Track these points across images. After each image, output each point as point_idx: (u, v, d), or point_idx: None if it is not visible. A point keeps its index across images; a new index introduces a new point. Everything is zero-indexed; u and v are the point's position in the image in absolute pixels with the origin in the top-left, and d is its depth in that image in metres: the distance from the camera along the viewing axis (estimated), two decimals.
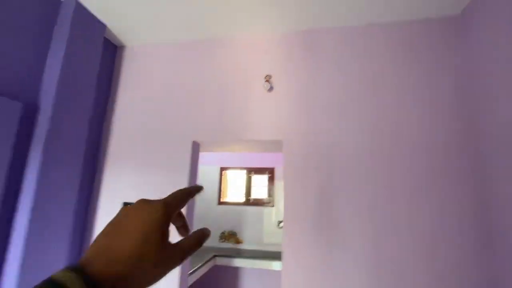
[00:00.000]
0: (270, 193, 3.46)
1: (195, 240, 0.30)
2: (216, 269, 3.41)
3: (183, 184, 1.84)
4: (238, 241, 3.45)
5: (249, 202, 3.55)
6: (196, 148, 1.98)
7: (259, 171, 3.59)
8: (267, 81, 1.82)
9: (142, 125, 2.02)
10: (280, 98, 1.83)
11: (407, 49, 1.75)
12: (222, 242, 3.44)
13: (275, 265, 2.97)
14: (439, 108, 1.63)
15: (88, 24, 1.83)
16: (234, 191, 3.71)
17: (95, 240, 0.26)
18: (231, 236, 3.45)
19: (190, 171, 1.88)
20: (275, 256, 3.05)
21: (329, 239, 1.59)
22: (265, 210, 3.48)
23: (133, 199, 1.91)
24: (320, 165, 1.69)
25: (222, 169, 3.75)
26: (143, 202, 0.28)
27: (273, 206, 3.43)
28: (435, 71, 1.68)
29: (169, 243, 0.27)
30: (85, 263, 0.23)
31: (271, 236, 3.48)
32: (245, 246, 3.43)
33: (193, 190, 0.33)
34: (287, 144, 1.76)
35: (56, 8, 1.72)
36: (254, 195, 3.57)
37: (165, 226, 0.27)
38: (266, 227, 3.46)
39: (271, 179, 3.50)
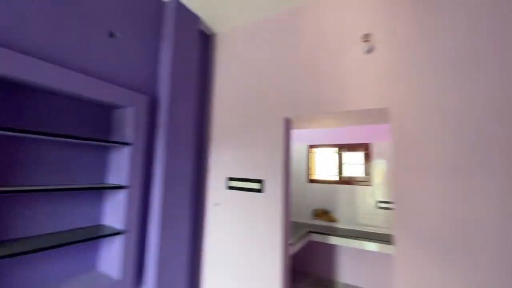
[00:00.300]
0: (367, 171, 3.18)
1: None
2: (312, 244, 3.46)
3: (278, 159, 1.89)
4: (331, 219, 3.37)
5: (342, 180, 3.37)
6: (288, 124, 1.97)
7: (352, 147, 3.33)
8: (365, 41, 1.59)
9: (238, 105, 2.15)
10: (383, 60, 1.58)
11: None
12: (315, 219, 3.44)
13: (371, 246, 2.77)
14: None
15: (187, 19, 2.03)
16: (324, 169, 3.60)
17: None
18: (324, 213, 3.39)
19: (284, 147, 1.89)
20: (371, 237, 2.85)
21: (446, 229, 1.32)
22: (360, 189, 3.24)
23: (235, 174, 2.09)
24: (443, 137, 1.39)
25: (311, 146, 3.68)
26: None
27: (370, 185, 3.15)
28: None
29: None
30: None
31: (368, 216, 3.24)
32: (339, 224, 3.32)
33: None
34: (396, 113, 1.52)
35: (162, 10, 1.97)
36: (346, 173, 3.37)
37: None
38: (362, 207, 3.23)
39: (367, 156, 3.20)
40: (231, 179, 2.10)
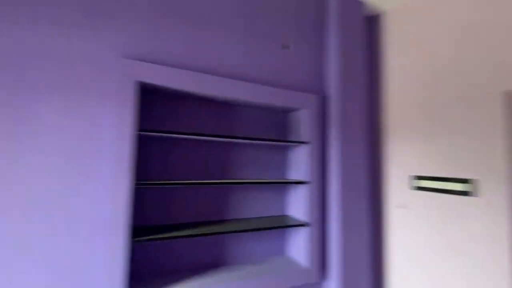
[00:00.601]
0: None
1: None
2: None
3: (496, 151, 1.36)
4: None
5: None
6: (510, 100, 1.39)
7: None
8: None
9: (422, 87, 1.79)
10: None
11: None
12: None
13: None
14: None
15: (351, 7, 1.95)
16: None
17: None
18: None
19: (506, 132, 1.34)
20: None
21: None
22: None
23: (423, 171, 1.73)
24: None
25: None
26: None
27: None
28: None
29: None
30: None
31: None
32: None
33: None
34: None
35: (323, 5, 2.00)
36: None
37: None
38: None
39: None
40: (419, 177, 1.76)
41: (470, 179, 1.47)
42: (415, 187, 1.78)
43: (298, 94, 1.75)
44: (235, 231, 1.45)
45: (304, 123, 1.78)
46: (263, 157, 1.81)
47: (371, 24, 2.19)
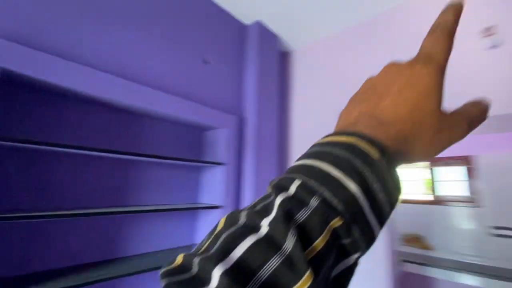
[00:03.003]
0: (473, 189, 2.67)
1: (479, 110, 0.22)
2: (406, 276, 3.00)
3: None
4: (425, 246, 2.89)
5: (436, 200, 2.90)
6: None
7: (449, 161, 2.86)
8: (490, 34, 1.34)
9: (319, 122, 2.05)
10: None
11: None
12: (405, 245, 2.99)
13: (472, 280, 2.24)
14: None
15: (269, 39, 2.07)
16: (412, 187, 3.16)
17: (344, 114, 0.24)
18: (416, 239, 2.94)
19: None
20: (474, 269, 2.32)
21: None
22: (461, 211, 2.73)
23: None
24: None
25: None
26: (398, 65, 0.23)
27: (477, 206, 2.62)
28: None
29: (446, 111, 0.21)
30: (349, 131, 0.20)
31: (470, 244, 2.69)
32: (436, 253, 2.82)
33: (451, 21, 0.22)
34: None
35: (245, 32, 2.04)
36: (442, 192, 2.89)
37: (441, 85, 0.21)
38: (465, 233, 2.70)
39: (470, 171, 2.70)
40: None
41: None
42: None
43: (217, 113, 1.66)
44: (130, 274, 1.14)
45: (220, 143, 1.69)
46: (172, 178, 1.58)
47: (284, 59, 2.40)
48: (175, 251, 1.50)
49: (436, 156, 0.24)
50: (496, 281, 2.19)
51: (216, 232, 0.18)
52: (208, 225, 1.64)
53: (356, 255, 0.18)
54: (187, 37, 1.67)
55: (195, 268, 0.15)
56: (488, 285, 2.18)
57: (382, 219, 0.18)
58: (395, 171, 0.19)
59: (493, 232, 2.51)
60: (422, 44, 0.23)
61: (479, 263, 2.55)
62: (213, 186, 1.66)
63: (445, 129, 0.21)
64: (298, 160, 0.21)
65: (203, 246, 0.18)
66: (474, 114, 0.23)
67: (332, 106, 1.99)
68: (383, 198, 0.18)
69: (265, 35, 2.03)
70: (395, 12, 1.77)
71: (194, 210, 1.68)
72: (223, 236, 0.17)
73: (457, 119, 0.22)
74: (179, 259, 0.17)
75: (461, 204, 2.71)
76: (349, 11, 1.84)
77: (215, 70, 1.81)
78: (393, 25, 1.76)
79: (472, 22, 1.44)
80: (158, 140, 1.53)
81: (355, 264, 0.18)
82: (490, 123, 1.66)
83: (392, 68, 0.23)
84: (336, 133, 0.21)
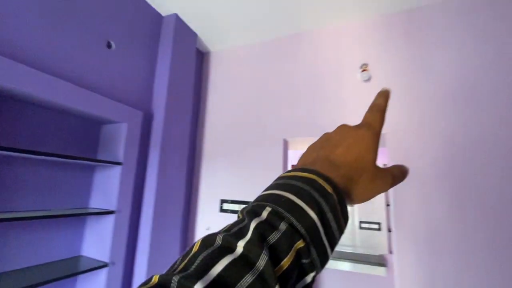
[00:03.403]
0: None
1: (402, 172, 0.30)
2: None
3: None
4: None
5: None
6: (286, 146, 1.96)
7: None
8: (364, 70, 1.69)
9: (233, 125, 2.10)
10: (380, 88, 1.68)
11: None
12: None
13: (349, 266, 2.80)
14: None
15: (185, 35, 1.98)
16: None
17: (303, 157, 0.30)
18: None
19: (283, 169, 1.87)
20: (350, 257, 2.89)
21: (446, 249, 1.39)
22: None
23: (229, 196, 1.99)
24: (437, 161, 1.49)
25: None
26: (348, 126, 0.30)
27: (352, 205, 3.24)
28: None
29: (380, 166, 0.28)
30: (309, 168, 0.24)
31: (348, 236, 3.30)
32: None
33: (383, 103, 0.31)
34: (392, 138, 1.61)
35: (159, 23, 1.89)
36: None
37: (377, 146, 0.28)
38: (348, 226, 3.29)
39: None
40: (224, 201, 2.00)
41: None
42: (222, 209, 2.00)
43: (117, 105, 1.47)
44: None
45: (119, 139, 1.50)
46: (56, 179, 1.31)
47: (201, 59, 2.36)
48: (55, 265, 1.24)
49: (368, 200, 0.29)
50: (363, 265, 2.75)
51: (192, 254, 0.19)
52: (99, 233, 1.42)
53: (312, 274, 0.21)
54: (88, 14, 1.42)
55: (174, 286, 0.16)
56: (356, 269, 2.72)
57: (333, 244, 0.22)
58: (344, 204, 0.23)
59: (360, 226, 3.15)
60: (364, 116, 0.30)
61: (351, 251, 3.15)
62: (108, 189, 1.46)
63: (377, 178, 0.27)
64: (266, 190, 0.24)
65: (178, 266, 0.18)
66: (397, 173, 0.30)
67: (245, 110, 2.08)
68: (334, 225, 0.22)
69: (182, 30, 1.95)
70: (302, 35, 2.01)
71: (81, 216, 1.44)
72: (201, 256, 0.18)
73: (386, 173, 0.28)
74: (155, 279, 0.17)
75: None
76: (265, 27, 1.97)
77: (121, 58, 1.61)
78: (300, 46, 1.99)
79: (354, 59, 1.78)
80: (39, 132, 1.24)
81: (312, 282, 0.21)
82: None
83: (344, 128, 0.30)
84: (298, 169, 0.24)
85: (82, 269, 1.27)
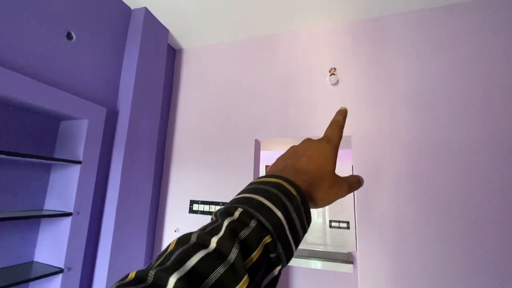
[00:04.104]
0: None
1: (357, 181, 0.35)
2: None
3: (248, 181, 1.84)
4: None
5: None
6: (258, 147, 1.97)
7: None
8: (332, 74, 1.74)
9: (204, 124, 2.07)
10: (347, 92, 1.75)
11: (493, 30, 1.56)
12: None
13: (320, 265, 2.89)
14: None
15: (155, 30, 1.91)
16: None
17: (273, 166, 0.34)
18: None
19: (254, 169, 1.87)
20: (320, 255, 2.99)
21: (406, 245, 1.47)
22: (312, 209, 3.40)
23: (199, 196, 1.96)
24: (398, 163, 1.57)
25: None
26: (311, 140, 0.34)
27: (316, 208, 3.34)
28: None
29: (338, 175, 0.32)
30: (277, 174, 0.28)
31: (319, 235, 3.39)
32: None
33: (341, 120, 0.36)
34: (357, 140, 1.68)
35: (128, 16, 1.82)
36: None
37: (335, 157, 0.33)
38: (312, 226, 3.38)
39: None
40: (194, 202, 1.96)
41: None
42: (191, 210, 1.96)
43: (77, 100, 1.38)
44: None
45: (79, 137, 1.41)
46: (6, 178, 1.19)
47: (174, 56, 2.29)
48: (4, 271, 1.14)
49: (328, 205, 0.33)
50: (332, 263, 2.84)
51: (168, 251, 0.20)
52: (54, 237, 1.33)
53: (279, 267, 0.23)
54: (45, 1, 1.32)
55: (151, 278, 0.17)
56: (325, 267, 2.81)
57: (297, 240, 0.25)
58: (306, 205, 0.26)
59: (331, 224, 3.25)
60: (325, 132, 0.35)
61: (322, 250, 3.24)
62: (65, 189, 1.37)
63: (336, 185, 0.31)
64: (238, 194, 0.26)
65: (155, 263, 0.19)
66: (353, 182, 0.34)
67: (217, 110, 2.06)
68: (298, 224, 0.24)
69: (152, 25, 1.88)
70: (275, 37, 2.03)
71: (34, 219, 1.33)
72: (177, 252, 0.19)
73: (343, 181, 0.32)
74: (131, 275, 0.18)
75: None
76: (239, 26, 1.96)
77: (83, 50, 1.51)
78: (273, 47, 2.01)
79: (324, 62, 1.84)
80: None
81: (278, 274, 0.23)
82: None
83: (308, 141, 0.34)
84: (268, 176, 0.28)
85: (34, 275, 1.18)
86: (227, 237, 0.20)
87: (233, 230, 0.21)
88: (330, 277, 3.18)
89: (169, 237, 1.96)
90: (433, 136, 1.54)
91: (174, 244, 0.21)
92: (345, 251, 3.15)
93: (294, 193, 0.25)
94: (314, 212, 3.35)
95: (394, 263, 1.47)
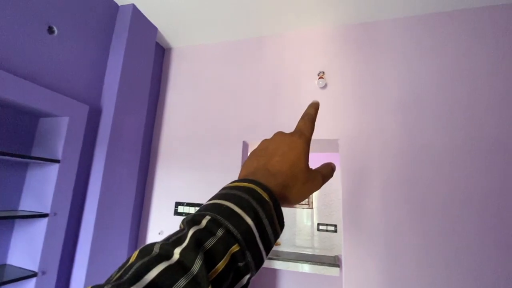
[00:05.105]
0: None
1: (329, 170, 0.35)
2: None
3: None
4: (276, 243, 3.39)
5: None
6: (245, 148, 1.95)
7: None
8: (321, 77, 1.75)
9: (191, 125, 2.03)
10: (335, 95, 1.75)
11: (479, 37, 1.60)
12: None
13: (307, 268, 2.89)
14: None
15: (143, 28, 1.87)
16: None
17: (246, 165, 0.32)
18: None
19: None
20: (308, 259, 2.98)
21: (392, 248, 1.48)
22: (301, 212, 3.41)
23: (185, 198, 1.92)
24: (386, 166, 1.58)
25: None
26: (283, 134, 0.33)
27: (311, 208, 3.34)
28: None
29: (311, 168, 0.32)
30: (248, 178, 0.27)
31: (307, 238, 3.39)
32: (282, 247, 3.38)
33: (314, 113, 0.36)
34: (344, 144, 1.68)
35: (114, 13, 1.77)
36: None
37: (308, 151, 0.32)
38: (301, 229, 3.38)
39: None
40: (179, 203, 1.92)
41: None
42: (176, 212, 1.92)
43: (57, 96, 1.33)
44: None
45: (58, 135, 1.36)
46: None
47: (162, 54, 2.26)
48: None
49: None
50: (319, 266, 2.84)
51: (128, 264, 0.19)
52: (29, 239, 1.27)
53: (247, 276, 0.22)
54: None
55: None
56: (312, 270, 2.80)
57: (268, 247, 0.24)
58: (279, 210, 0.25)
59: (319, 228, 3.25)
60: (297, 124, 0.34)
61: (310, 253, 3.24)
62: (42, 189, 1.31)
63: (309, 181, 0.30)
64: (209, 200, 0.25)
65: (114, 277, 0.18)
66: (326, 172, 0.34)
67: (204, 111, 2.03)
68: (269, 230, 0.24)
69: (140, 22, 1.84)
70: (265, 39, 2.02)
71: (7, 219, 1.27)
72: (136, 265, 0.18)
73: (316, 174, 0.32)
74: None
75: (301, 206, 3.37)
76: (229, 27, 1.95)
77: (65, 46, 1.46)
78: (263, 49, 2.01)
79: (312, 65, 1.84)
80: None
81: (247, 283, 0.22)
82: (319, 145, 2.15)
83: (280, 136, 0.33)
84: (240, 180, 0.27)
85: (6, 279, 1.12)
86: (190, 247, 0.19)
87: (198, 239, 0.20)
88: (317, 280, 3.18)
89: (153, 240, 1.91)
90: (419, 140, 1.56)
91: (135, 256, 0.20)
92: (332, 254, 3.16)
93: (267, 198, 0.25)
94: (303, 215, 3.34)
95: (380, 267, 1.47)
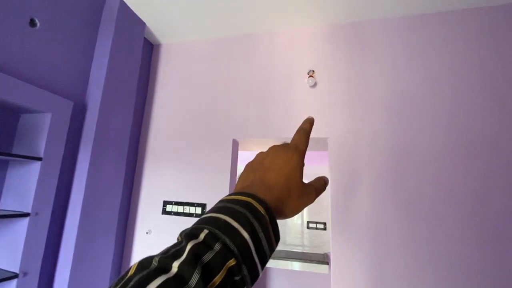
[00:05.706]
0: None
1: (322, 184, 0.36)
2: None
3: (225, 184, 1.80)
4: None
5: None
6: (235, 147, 1.94)
7: None
8: (310, 76, 1.75)
9: (180, 123, 2.00)
10: (324, 94, 1.76)
11: (464, 38, 1.64)
12: None
13: (297, 266, 2.92)
14: (505, 101, 1.51)
15: (131, 23, 1.83)
16: None
17: (242, 178, 0.33)
18: None
19: (231, 170, 1.84)
20: (297, 256, 3.01)
21: (379, 246, 1.51)
22: None
23: (173, 198, 1.89)
24: (374, 164, 1.60)
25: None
26: (279, 147, 0.34)
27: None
28: (499, 62, 1.56)
29: (304, 182, 0.32)
30: (245, 191, 0.28)
31: (297, 236, 3.42)
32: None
33: (309, 128, 0.37)
34: (333, 142, 1.69)
35: (101, 7, 1.72)
36: None
37: (302, 165, 0.33)
38: (291, 227, 3.40)
39: None
40: (167, 202, 1.89)
41: (205, 204, 1.81)
42: (164, 211, 1.89)
43: (39, 91, 1.29)
44: None
45: (41, 132, 1.31)
46: None
47: (150, 50, 2.21)
48: None
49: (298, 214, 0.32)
50: (308, 264, 2.86)
51: (127, 277, 0.19)
52: (9, 239, 1.22)
53: None
54: None
55: None
56: (302, 268, 2.82)
57: (264, 261, 0.24)
58: (275, 224, 0.26)
59: (309, 226, 3.28)
60: (293, 138, 0.35)
61: (300, 250, 3.26)
62: (23, 188, 1.27)
63: (304, 194, 0.31)
64: (207, 212, 0.25)
65: None
66: (319, 186, 0.35)
67: (194, 108, 2.00)
68: (265, 244, 0.24)
69: (127, 17, 1.79)
70: (255, 37, 2.01)
71: None
72: (135, 278, 0.18)
73: (310, 188, 0.33)
74: None
75: None
76: (219, 24, 1.92)
77: (48, 39, 1.41)
78: (253, 47, 1.99)
79: (303, 64, 1.84)
80: None
81: None
82: (313, 144, 2.16)
83: (275, 150, 0.34)
84: (237, 193, 0.27)
85: None
86: (188, 261, 0.20)
87: (196, 253, 0.20)
88: (307, 278, 3.21)
89: (140, 240, 1.88)
90: (405, 141, 1.59)
91: (134, 269, 0.20)
92: (321, 252, 3.19)
93: (263, 212, 0.25)
94: None
95: (367, 264, 1.49)
